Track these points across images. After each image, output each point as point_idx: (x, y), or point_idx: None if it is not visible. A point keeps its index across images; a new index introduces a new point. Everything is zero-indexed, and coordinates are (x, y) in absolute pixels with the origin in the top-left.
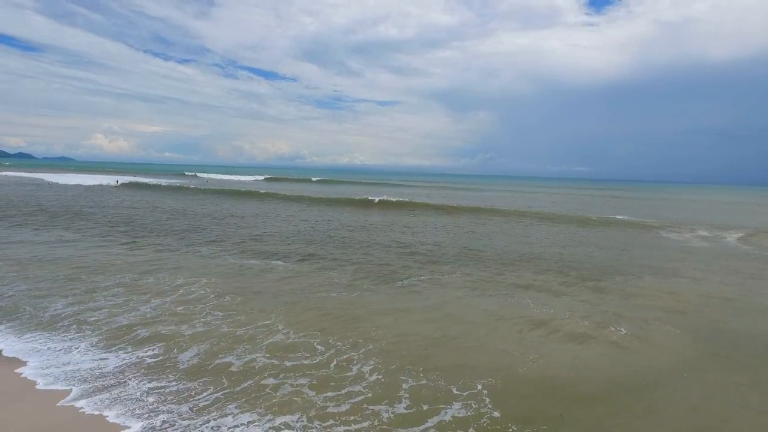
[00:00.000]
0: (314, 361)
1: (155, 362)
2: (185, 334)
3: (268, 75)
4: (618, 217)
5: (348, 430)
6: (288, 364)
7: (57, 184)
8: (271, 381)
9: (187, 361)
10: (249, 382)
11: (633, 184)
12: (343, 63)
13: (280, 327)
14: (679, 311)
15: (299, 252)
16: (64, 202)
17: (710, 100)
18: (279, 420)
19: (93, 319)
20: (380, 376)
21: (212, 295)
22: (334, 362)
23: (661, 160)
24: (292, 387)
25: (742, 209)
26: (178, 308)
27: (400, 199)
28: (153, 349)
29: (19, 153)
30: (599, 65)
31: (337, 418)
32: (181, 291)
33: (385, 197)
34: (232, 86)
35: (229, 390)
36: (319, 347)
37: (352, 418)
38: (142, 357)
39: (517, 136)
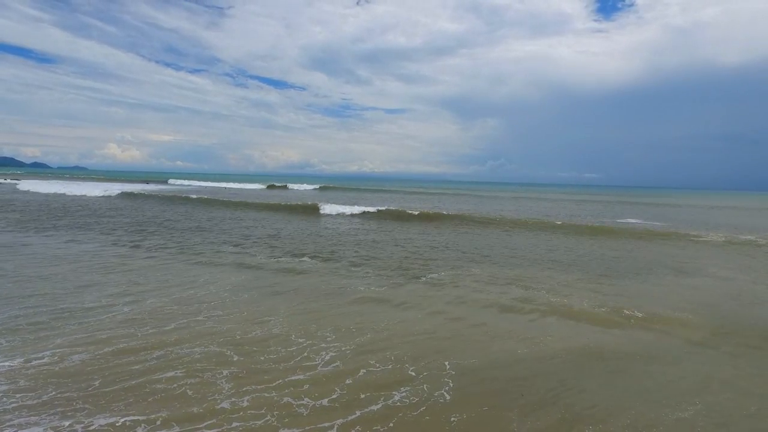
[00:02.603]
0: (274, 355)
1: (20, 366)
2: (138, 334)
3: (278, 84)
4: (631, 220)
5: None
6: (236, 357)
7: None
8: (175, 374)
9: (73, 360)
10: (138, 380)
11: (644, 189)
12: (351, 71)
13: (279, 321)
14: (700, 303)
15: (319, 253)
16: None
17: (722, 105)
18: (102, 420)
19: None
20: (339, 364)
21: (226, 293)
22: (304, 354)
23: (672, 165)
24: (200, 379)
25: (759, 213)
26: (172, 307)
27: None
28: (45, 355)
29: (35, 163)
30: (609, 71)
31: (222, 415)
32: (192, 291)
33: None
34: (243, 95)
35: (77, 393)
36: (298, 340)
37: (249, 413)
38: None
39: (526, 142)
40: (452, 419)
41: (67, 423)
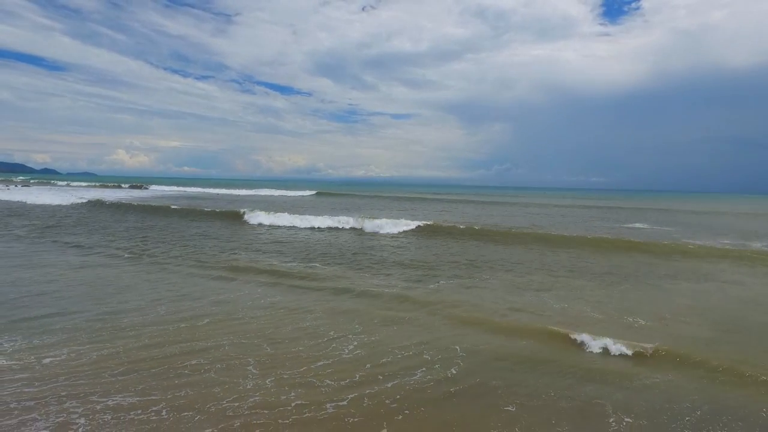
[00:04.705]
0: (303, 347)
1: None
2: (181, 326)
3: (284, 90)
4: (638, 225)
5: (210, 409)
6: (269, 349)
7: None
8: (199, 361)
9: (92, 357)
10: (161, 368)
11: (652, 193)
12: (357, 77)
13: (320, 318)
14: (708, 309)
15: (331, 259)
16: None
17: (730, 107)
18: (118, 399)
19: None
20: (361, 352)
21: (258, 296)
22: (333, 345)
23: (680, 169)
24: (227, 365)
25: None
26: (212, 308)
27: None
28: (63, 352)
29: (45, 169)
30: (615, 75)
31: (243, 393)
32: (223, 295)
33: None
34: (249, 101)
35: (88, 380)
36: (329, 333)
37: (271, 391)
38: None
39: (533, 147)
40: (451, 389)
41: (74, 403)
